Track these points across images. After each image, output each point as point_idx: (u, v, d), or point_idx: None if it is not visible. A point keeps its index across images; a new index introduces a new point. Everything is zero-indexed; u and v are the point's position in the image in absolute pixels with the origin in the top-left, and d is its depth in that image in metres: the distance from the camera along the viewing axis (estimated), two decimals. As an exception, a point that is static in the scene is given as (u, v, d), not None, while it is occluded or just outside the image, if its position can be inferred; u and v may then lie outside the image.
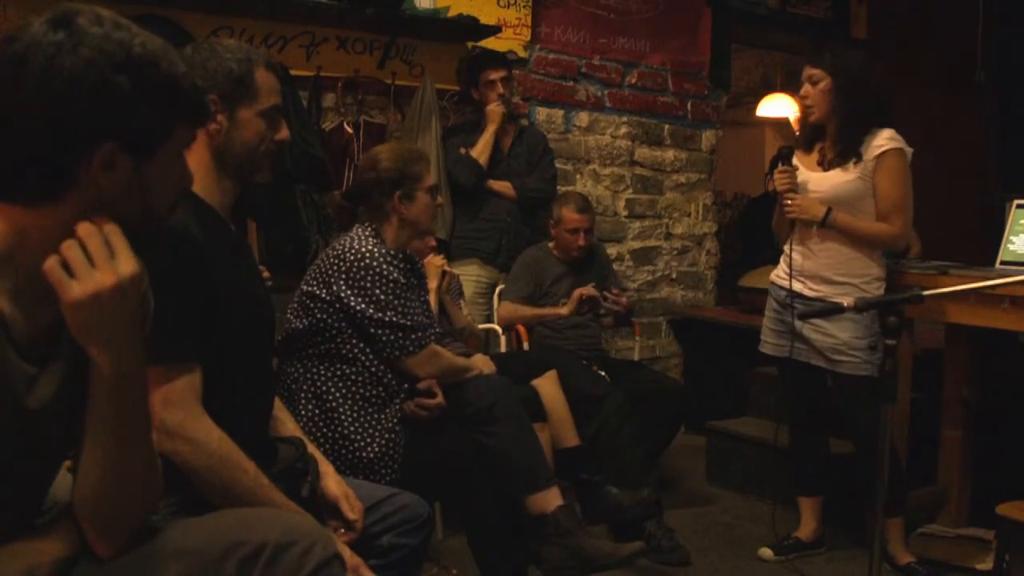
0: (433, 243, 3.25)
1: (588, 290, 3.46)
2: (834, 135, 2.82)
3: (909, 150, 2.77)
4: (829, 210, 2.74)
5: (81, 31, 1.02)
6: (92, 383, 1.08)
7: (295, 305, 2.40)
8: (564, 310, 3.49)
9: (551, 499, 2.53)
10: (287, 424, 1.81)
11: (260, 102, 1.62)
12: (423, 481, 2.17)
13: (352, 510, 1.69)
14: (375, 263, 2.32)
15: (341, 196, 3.53)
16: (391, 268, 2.35)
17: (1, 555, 1.10)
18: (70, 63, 1.01)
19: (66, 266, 1.01)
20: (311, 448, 1.74)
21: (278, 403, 1.82)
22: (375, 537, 1.74)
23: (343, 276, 2.31)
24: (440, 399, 2.41)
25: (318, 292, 2.33)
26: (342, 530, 1.67)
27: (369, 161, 2.51)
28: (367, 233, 2.41)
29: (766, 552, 3.03)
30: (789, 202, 2.78)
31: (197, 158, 1.49)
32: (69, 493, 1.17)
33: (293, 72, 3.48)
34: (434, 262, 3.11)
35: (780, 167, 2.82)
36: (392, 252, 2.40)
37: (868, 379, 2.74)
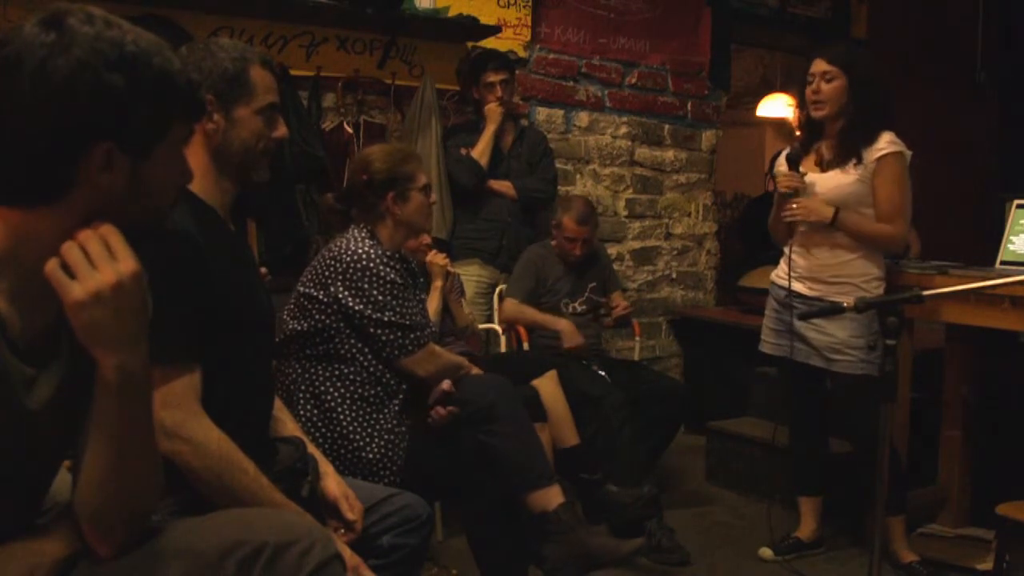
0: (428, 239, 3.23)
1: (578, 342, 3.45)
2: (836, 135, 2.81)
3: (908, 153, 2.77)
4: (837, 210, 2.74)
5: (73, 31, 1.02)
6: (96, 384, 1.08)
7: (292, 306, 2.40)
8: (564, 341, 3.45)
9: (552, 497, 2.53)
10: (287, 424, 1.81)
11: (256, 100, 1.61)
12: (423, 481, 2.17)
13: (352, 510, 1.69)
14: (372, 264, 2.32)
15: (334, 198, 3.52)
16: (388, 269, 2.35)
17: (1, 555, 1.10)
18: (63, 64, 1.00)
19: (66, 268, 1.01)
20: (311, 448, 1.74)
21: (278, 403, 1.82)
22: (375, 537, 1.74)
23: (340, 278, 2.31)
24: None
25: (315, 294, 2.33)
26: (342, 530, 1.67)
27: (361, 163, 2.50)
28: (362, 235, 2.41)
29: (766, 552, 3.03)
30: (794, 206, 2.78)
31: (195, 158, 1.48)
32: (69, 493, 1.17)
33: (293, 72, 3.48)
34: (437, 261, 3.11)
35: (787, 172, 2.81)
36: (388, 253, 2.40)
37: (866, 378, 2.74)
